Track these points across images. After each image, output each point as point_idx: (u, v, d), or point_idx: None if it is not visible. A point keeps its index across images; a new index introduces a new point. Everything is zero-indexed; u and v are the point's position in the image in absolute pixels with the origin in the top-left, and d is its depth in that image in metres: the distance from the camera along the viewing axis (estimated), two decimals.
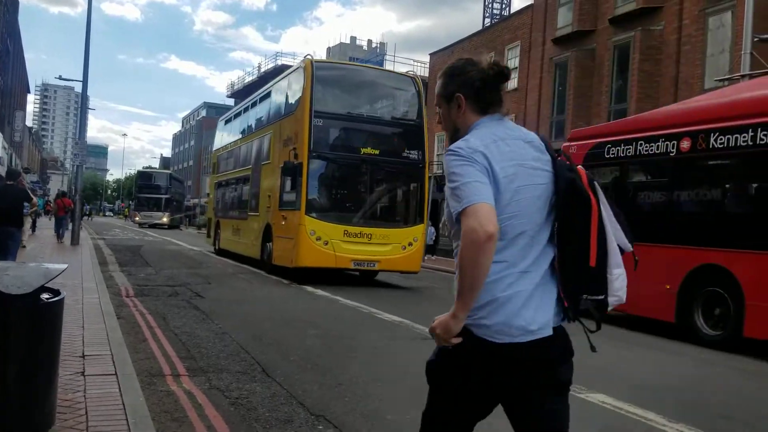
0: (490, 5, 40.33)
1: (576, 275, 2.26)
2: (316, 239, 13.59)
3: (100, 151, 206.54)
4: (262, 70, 67.26)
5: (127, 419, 4.00)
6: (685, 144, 9.62)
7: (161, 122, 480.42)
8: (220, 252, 21.73)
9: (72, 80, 37.45)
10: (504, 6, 40.41)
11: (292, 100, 15.78)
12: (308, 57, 15.28)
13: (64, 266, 3.50)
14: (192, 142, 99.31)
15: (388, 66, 42.58)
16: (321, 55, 66.91)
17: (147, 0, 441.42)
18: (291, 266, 14.12)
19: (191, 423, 4.43)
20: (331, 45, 69.14)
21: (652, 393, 6.01)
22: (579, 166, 2.38)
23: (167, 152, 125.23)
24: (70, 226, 22.57)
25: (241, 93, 74.25)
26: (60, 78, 32.92)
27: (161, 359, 6.21)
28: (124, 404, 4.27)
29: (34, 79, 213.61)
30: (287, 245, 14.38)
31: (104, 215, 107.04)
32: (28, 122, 74.49)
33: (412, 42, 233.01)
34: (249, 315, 9.29)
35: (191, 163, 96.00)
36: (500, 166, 2.20)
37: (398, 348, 7.58)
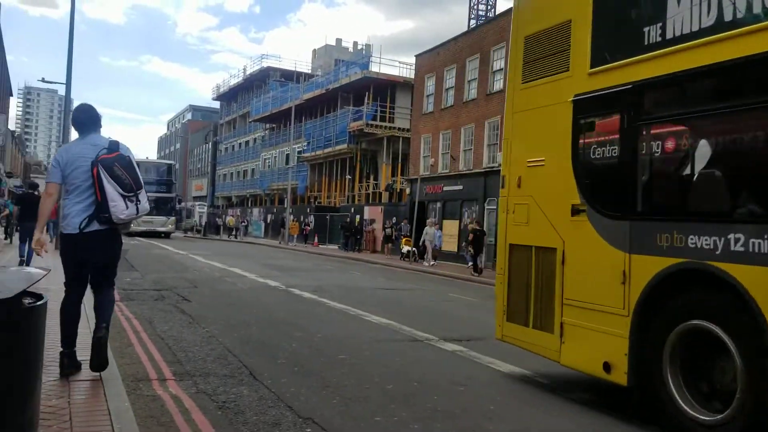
0: (475, 6, 40.39)
1: (97, 204, 4.99)
2: None
3: None
4: (248, 72, 67.08)
5: (112, 425, 3.95)
6: None
7: (143, 125, 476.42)
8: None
9: (55, 83, 37.21)
10: (490, 7, 40.46)
11: None
12: None
13: (47, 271, 3.44)
14: (177, 145, 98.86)
15: (374, 68, 42.27)
16: (307, 57, 65.92)
17: (130, 2, 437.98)
18: None
19: (177, 427, 4.39)
20: (316, 47, 68.90)
21: None
22: (102, 154, 5.03)
23: (153, 155, 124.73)
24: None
25: (226, 95, 74.09)
26: (43, 80, 32.45)
27: (147, 364, 6.15)
28: (109, 410, 4.22)
29: (17, 82, 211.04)
30: None
31: None
32: (11, 126, 73.64)
33: (397, 43, 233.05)
34: (234, 317, 9.23)
35: (177, 166, 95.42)
36: (64, 159, 5.07)
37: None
